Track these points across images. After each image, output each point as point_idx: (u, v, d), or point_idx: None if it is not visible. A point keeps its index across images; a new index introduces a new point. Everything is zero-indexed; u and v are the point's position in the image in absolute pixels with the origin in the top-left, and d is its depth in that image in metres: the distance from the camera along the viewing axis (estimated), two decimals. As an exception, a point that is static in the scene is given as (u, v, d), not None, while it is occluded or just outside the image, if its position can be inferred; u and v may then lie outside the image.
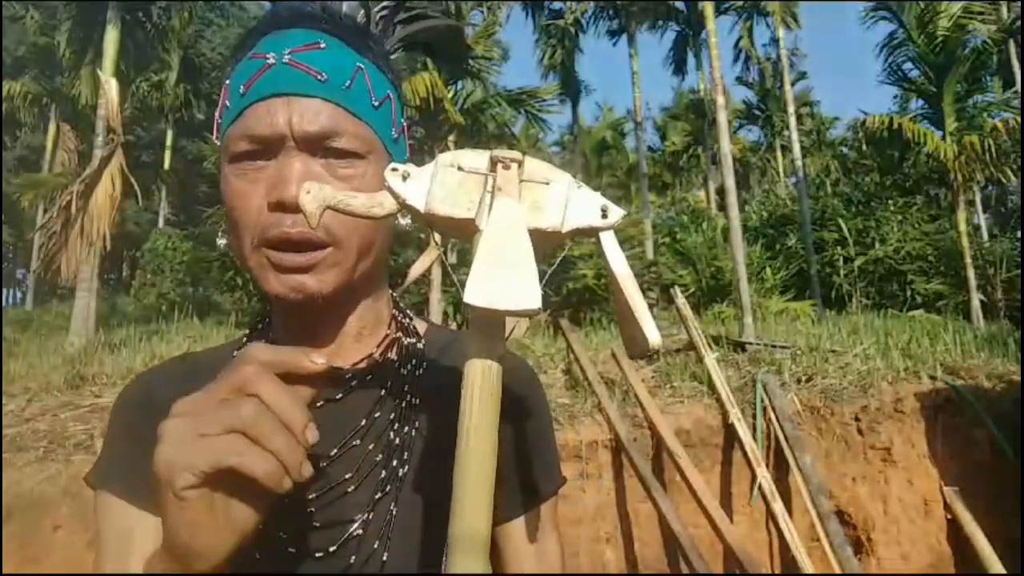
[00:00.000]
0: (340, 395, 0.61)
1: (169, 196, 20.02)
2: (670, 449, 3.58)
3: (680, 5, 14.61)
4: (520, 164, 0.48)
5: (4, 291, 28.11)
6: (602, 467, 3.83)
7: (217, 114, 0.63)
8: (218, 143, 0.63)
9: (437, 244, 8.10)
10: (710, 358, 4.20)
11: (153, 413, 0.58)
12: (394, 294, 0.72)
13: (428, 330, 0.72)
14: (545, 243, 0.49)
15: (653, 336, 0.46)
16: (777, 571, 3.78)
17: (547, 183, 0.48)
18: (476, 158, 0.48)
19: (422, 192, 0.47)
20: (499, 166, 0.47)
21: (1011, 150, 9.15)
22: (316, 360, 0.44)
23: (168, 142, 18.33)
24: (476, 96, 10.30)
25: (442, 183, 0.47)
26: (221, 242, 0.64)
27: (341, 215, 0.49)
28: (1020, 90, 12.19)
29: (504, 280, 0.43)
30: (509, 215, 0.46)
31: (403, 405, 0.62)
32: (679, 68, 16.22)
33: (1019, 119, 8.91)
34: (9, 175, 16.78)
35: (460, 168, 0.48)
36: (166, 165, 18.44)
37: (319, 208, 0.46)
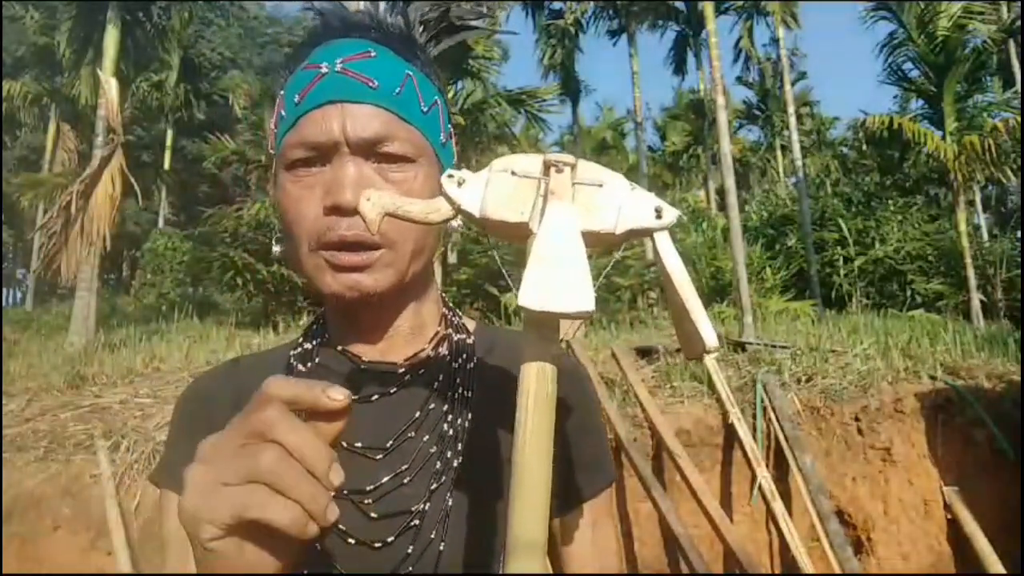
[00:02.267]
0: (394, 389, 0.63)
1: (169, 196, 20.03)
2: (670, 449, 3.57)
3: (680, 5, 14.61)
4: (573, 167, 0.48)
5: (4, 291, 28.11)
6: (602, 467, 3.82)
7: (272, 124, 0.66)
8: (272, 152, 0.65)
9: (439, 245, 8.11)
10: (710, 358, 4.20)
11: (206, 419, 0.61)
12: (443, 295, 0.73)
13: (477, 327, 0.74)
14: (600, 245, 0.50)
15: (710, 337, 0.47)
16: (777, 571, 3.78)
17: (600, 185, 0.49)
18: (529, 163, 0.49)
19: (477, 197, 0.49)
20: (552, 170, 0.48)
21: (1011, 150, 9.15)
22: (335, 396, 0.42)
23: (168, 142, 18.34)
24: (476, 96, 10.30)
25: (496, 188, 0.48)
26: (277, 248, 0.67)
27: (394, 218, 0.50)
28: (1020, 90, 12.19)
29: (557, 282, 0.44)
30: (562, 218, 0.46)
31: (455, 398, 0.64)
32: (679, 68, 16.23)
33: (1019, 119, 8.92)
34: (9, 175, 16.77)
35: (513, 173, 0.49)
36: (166, 165, 18.45)
37: (379, 215, 0.47)
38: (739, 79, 20.29)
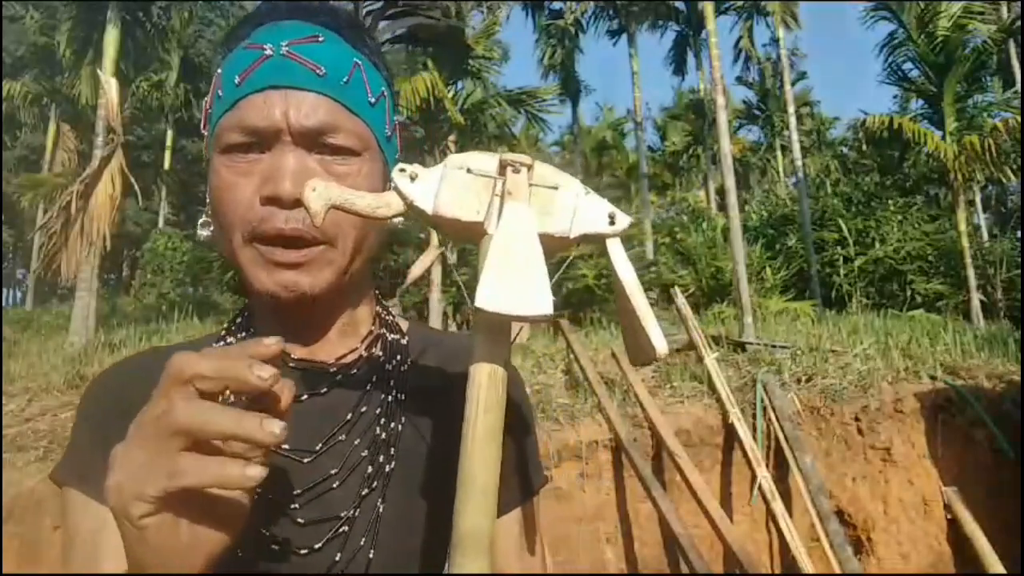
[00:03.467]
0: (324, 390, 0.60)
1: (169, 196, 20.03)
2: (670, 449, 3.57)
3: (680, 5, 14.62)
4: (530, 168, 0.47)
5: (4, 291, 28.12)
6: (602, 467, 3.82)
7: (206, 103, 0.61)
8: (206, 132, 0.61)
9: (438, 244, 8.11)
10: (710, 358, 4.20)
11: (120, 409, 0.56)
12: (376, 291, 0.71)
13: (410, 327, 0.71)
14: (552, 248, 0.49)
15: (660, 344, 0.46)
16: (777, 571, 3.78)
17: (556, 188, 0.48)
18: (485, 161, 0.48)
19: (430, 194, 0.47)
20: (509, 170, 0.47)
21: (1011, 150, 9.15)
22: (263, 375, 0.40)
23: (168, 142, 18.34)
24: (476, 96, 10.30)
25: (450, 185, 0.47)
26: (203, 233, 0.62)
27: (337, 212, 0.48)
28: (1020, 90, 12.19)
29: (516, 285, 0.43)
30: (520, 219, 0.46)
31: (389, 400, 0.61)
32: (679, 68, 16.25)
33: (1019, 119, 8.92)
34: (9, 175, 16.78)
35: (469, 171, 0.47)
36: (166, 165, 18.45)
37: (324, 207, 0.46)
38: (739, 79, 20.31)
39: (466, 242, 0.50)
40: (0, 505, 3.22)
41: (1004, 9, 11.35)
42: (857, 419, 4.02)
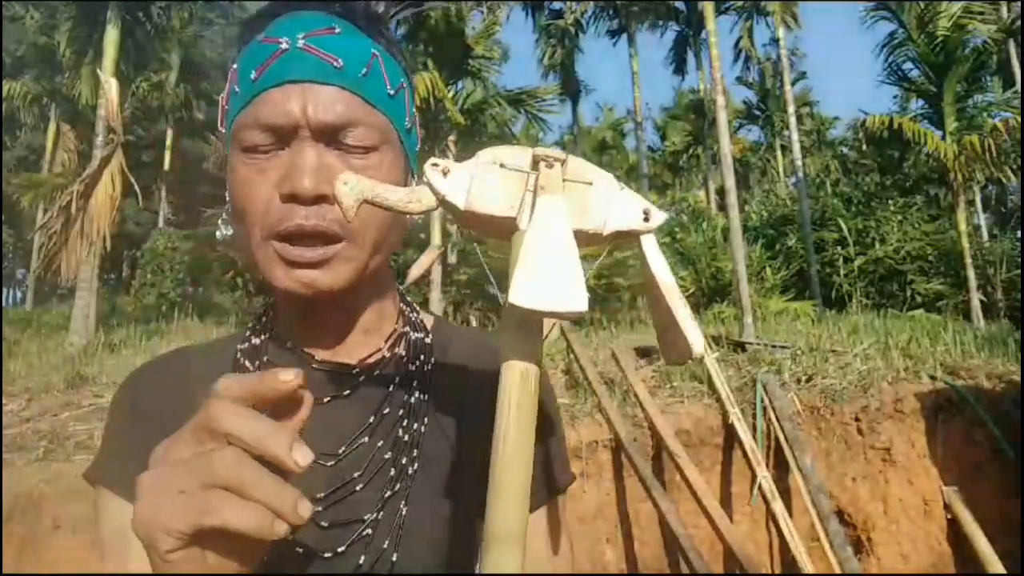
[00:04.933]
0: (347, 391, 0.60)
1: (169, 196, 20.01)
2: (670, 449, 3.57)
3: (680, 5, 14.63)
4: (563, 163, 0.46)
5: (4, 291, 28.12)
6: (602, 467, 3.83)
7: (223, 99, 0.60)
8: (223, 130, 0.60)
9: (439, 244, 8.11)
10: (710, 358, 4.20)
11: (148, 412, 0.57)
12: (400, 288, 0.70)
13: (435, 324, 0.70)
14: (585, 244, 0.48)
15: (696, 344, 0.45)
16: (777, 571, 3.78)
17: (590, 183, 0.47)
18: (518, 156, 0.47)
19: (462, 189, 0.46)
20: (542, 164, 0.46)
21: (1011, 150, 9.15)
22: (286, 378, 0.40)
23: (168, 142, 18.34)
24: (476, 96, 10.31)
25: (483, 180, 0.46)
26: (221, 233, 0.61)
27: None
28: (1020, 90, 12.19)
29: (550, 281, 0.42)
30: (553, 214, 0.45)
31: (412, 401, 0.61)
32: (679, 68, 16.26)
33: (1019, 119, 8.91)
34: (9, 175, 16.78)
35: (502, 165, 0.47)
36: (166, 165, 18.44)
37: (356, 201, 0.44)
38: (739, 79, 20.30)
39: (498, 238, 0.49)
40: (0, 505, 3.23)
41: (1004, 9, 11.34)
42: (857, 419, 4.02)
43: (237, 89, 0.57)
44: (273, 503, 0.37)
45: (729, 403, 3.89)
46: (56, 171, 14.31)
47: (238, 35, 0.62)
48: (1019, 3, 10.80)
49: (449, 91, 9.29)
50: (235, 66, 0.58)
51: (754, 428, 3.92)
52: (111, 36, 8.98)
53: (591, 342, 5.60)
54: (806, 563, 3.32)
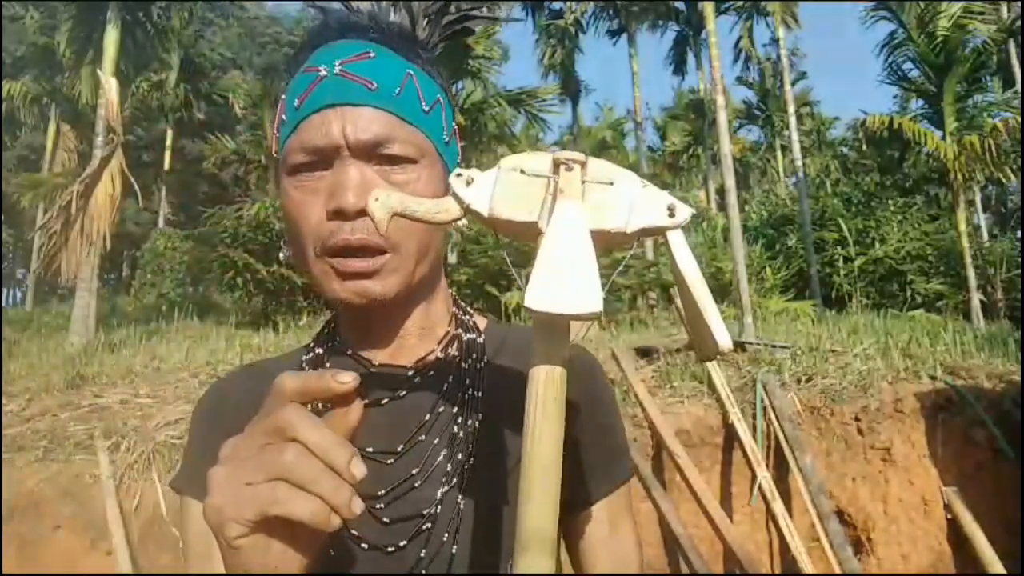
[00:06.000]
0: (404, 392, 0.63)
1: (169, 196, 20.01)
2: (670, 449, 3.57)
3: (680, 5, 14.61)
4: (583, 165, 0.47)
5: (4, 291, 28.11)
6: (602, 467, 3.82)
7: (274, 128, 0.65)
8: (277, 156, 0.65)
9: (445, 245, 8.10)
10: (710, 358, 4.19)
11: (226, 422, 0.62)
12: (453, 293, 0.74)
13: (488, 325, 0.74)
14: (611, 244, 0.49)
15: (723, 339, 0.45)
16: (777, 571, 3.78)
17: (611, 183, 0.48)
18: (539, 160, 0.48)
19: (486, 196, 0.48)
20: (561, 168, 0.47)
21: (1011, 150, 9.15)
22: (343, 379, 0.43)
23: (168, 142, 18.34)
24: (476, 96, 10.31)
25: (505, 187, 0.48)
26: (283, 255, 0.65)
27: (399, 221, 0.50)
28: (1020, 90, 12.19)
29: (565, 283, 0.43)
30: (570, 217, 0.46)
31: (466, 399, 0.64)
32: (679, 68, 16.23)
33: (1019, 119, 8.91)
34: (9, 175, 16.78)
35: (523, 171, 0.48)
36: (166, 165, 18.44)
37: (387, 215, 0.47)
38: (739, 79, 20.29)
39: (524, 241, 0.50)
40: (0, 505, 3.23)
41: (1004, 9, 11.34)
42: (857, 419, 4.02)
43: (284, 118, 0.62)
44: (331, 499, 0.40)
45: (729, 403, 3.89)
46: (56, 171, 14.32)
47: (285, 67, 0.67)
48: (1019, 3, 10.80)
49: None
50: (283, 97, 0.63)
51: (754, 428, 3.92)
52: (111, 36, 8.98)
53: (591, 342, 5.60)
54: (806, 563, 3.32)
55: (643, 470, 3.55)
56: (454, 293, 0.74)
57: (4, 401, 4.23)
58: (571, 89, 15.49)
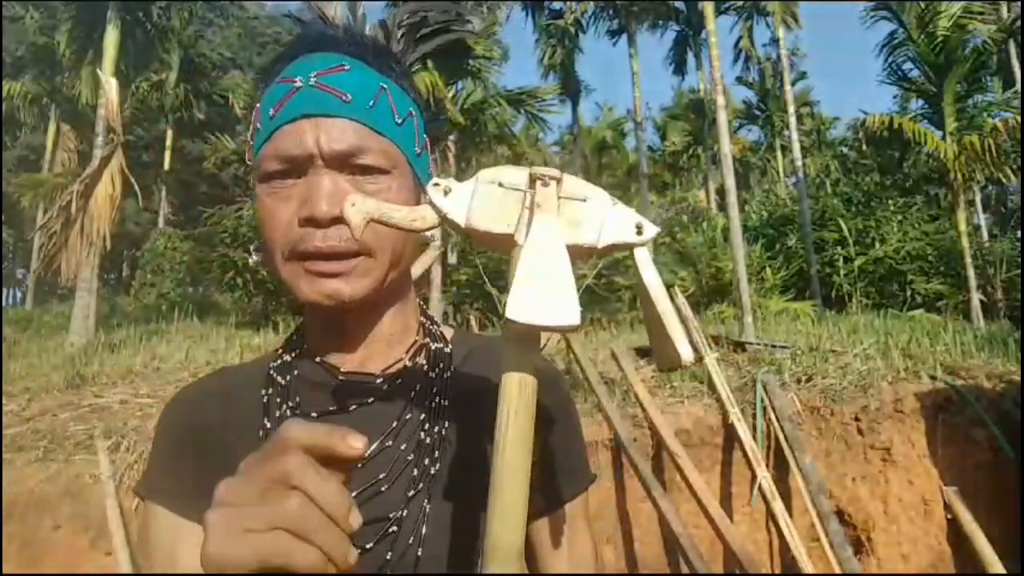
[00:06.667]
0: (372, 399, 0.64)
1: (169, 196, 20.00)
2: (670, 449, 3.57)
3: (680, 5, 14.63)
4: (559, 181, 0.49)
5: (4, 291, 28.11)
6: (602, 467, 3.82)
7: (249, 136, 0.67)
8: (250, 163, 0.67)
9: (439, 245, 8.10)
10: (710, 358, 4.20)
11: (191, 430, 0.64)
12: (421, 303, 0.75)
13: (455, 335, 0.75)
14: (581, 257, 0.51)
15: (685, 352, 0.47)
16: (777, 571, 3.78)
17: (584, 200, 0.50)
18: (516, 175, 0.50)
19: (463, 207, 0.49)
20: (538, 183, 0.49)
21: (1011, 150, 9.15)
22: (355, 445, 0.43)
23: (168, 142, 18.34)
24: (476, 96, 10.30)
25: (482, 199, 0.49)
26: (254, 258, 0.66)
27: (372, 227, 0.50)
28: (1020, 90, 12.19)
29: (544, 296, 0.45)
30: (548, 232, 0.47)
31: (433, 406, 0.65)
32: (679, 68, 16.25)
33: (1019, 119, 8.91)
34: (9, 175, 16.77)
35: (500, 184, 0.49)
36: (166, 165, 18.44)
37: (363, 220, 0.48)
38: (739, 79, 20.28)
39: (499, 252, 0.52)
40: (0, 505, 3.23)
41: (1004, 9, 11.35)
42: (857, 419, 4.02)
43: (259, 126, 0.64)
44: (331, 551, 0.40)
45: (729, 403, 3.89)
46: (56, 171, 14.32)
47: (260, 77, 0.69)
48: (1019, 3, 10.80)
49: (449, 91, 9.28)
50: (258, 106, 0.65)
51: (754, 428, 3.92)
52: (111, 36, 8.99)
53: (591, 342, 5.60)
54: (806, 563, 3.32)
55: (643, 470, 3.55)
56: (421, 303, 0.75)
57: (4, 401, 4.23)
58: (571, 89, 15.51)
